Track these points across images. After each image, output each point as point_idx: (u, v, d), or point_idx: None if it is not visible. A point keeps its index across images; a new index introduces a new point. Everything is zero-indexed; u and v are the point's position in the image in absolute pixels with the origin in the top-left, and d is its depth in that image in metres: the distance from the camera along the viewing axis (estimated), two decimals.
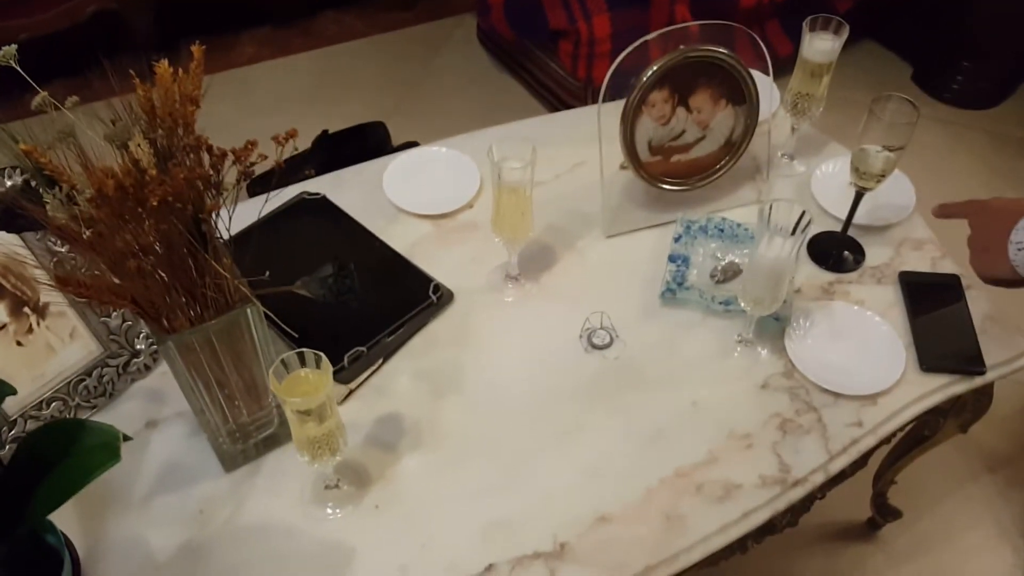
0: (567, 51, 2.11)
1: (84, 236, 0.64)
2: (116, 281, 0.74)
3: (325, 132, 2.13)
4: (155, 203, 0.62)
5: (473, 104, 2.40)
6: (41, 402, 0.99)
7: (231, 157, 0.66)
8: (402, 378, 1.07)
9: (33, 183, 0.76)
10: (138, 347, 1.06)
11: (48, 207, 0.67)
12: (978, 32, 2.34)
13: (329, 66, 2.58)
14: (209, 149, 0.66)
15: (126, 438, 0.66)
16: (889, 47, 2.58)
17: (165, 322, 0.81)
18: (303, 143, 2.12)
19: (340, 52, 2.63)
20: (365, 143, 2.14)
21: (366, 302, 1.11)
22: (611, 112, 1.17)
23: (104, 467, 0.62)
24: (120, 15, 2.32)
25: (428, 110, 2.40)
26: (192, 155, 0.66)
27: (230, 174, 0.68)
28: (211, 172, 0.66)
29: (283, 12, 2.69)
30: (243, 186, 0.69)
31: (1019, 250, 0.94)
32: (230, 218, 0.72)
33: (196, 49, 0.69)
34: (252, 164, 0.66)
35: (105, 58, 0.74)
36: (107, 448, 0.63)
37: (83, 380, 1.02)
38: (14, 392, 0.68)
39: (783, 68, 1.31)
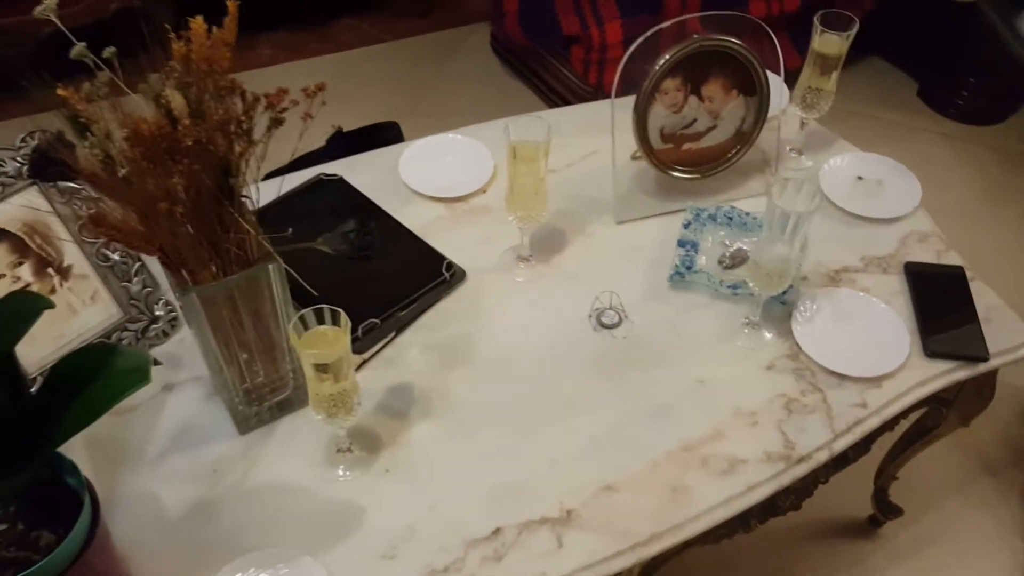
0: (579, 57, 2.15)
1: (120, 175, 0.67)
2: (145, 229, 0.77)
3: (340, 130, 2.17)
4: (189, 143, 0.64)
5: (485, 107, 2.43)
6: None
7: (264, 102, 0.68)
8: (413, 350, 1.09)
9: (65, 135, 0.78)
10: (157, 313, 1.08)
11: (81, 149, 0.70)
12: (982, 50, 2.38)
13: (345, 69, 2.63)
14: (243, 94, 0.69)
15: (156, 363, 0.68)
16: (895, 63, 2.62)
17: (188, 276, 0.83)
18: (318, 142, 2.15)
19: (356, 56, 2.68)
20: (378, 142, 2.16)
21: (381, 277, 1.13)
22: (622, 106, 1.20)
23: (134, 388, 0.64)
24: (143, 12, 2.36)
25: (441, 113, 2.44)
26: (225, 100, 0.68)
27: (260, 126, 0.71)
28: (243, 117, 0.69)
29: (300, 17, 2.74)
30: (272, 135, 0.71)
31: None
32: (258, 168, 0.74)
33: (231, 3, 0.72)
34: (283, 110, 0.69)
35: (135, 48, 0.77)
36: (138, 371, 0.65)
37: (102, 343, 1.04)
38: (52, 305, 0.69)
39: (790, 80, 1.33)
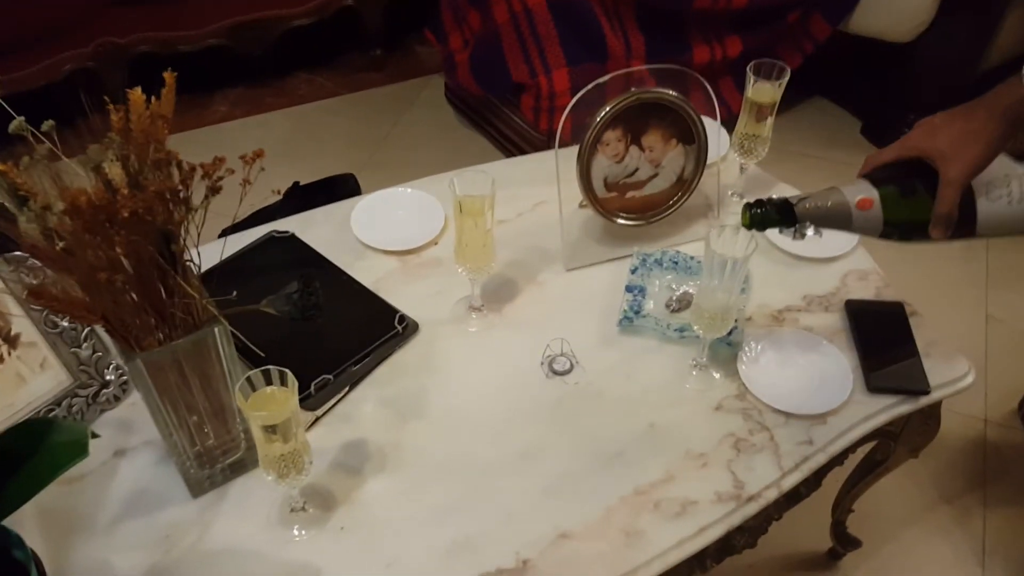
0: (529, 105, 2.20)
1: (57, 248, 0.68)
2: (87, 298, 0.77)
3: (296, 184, 2.18)
4: (126, 215, 0.65)
5: (441, 157, 2.47)
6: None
7: (200, 171, 0.70)
8: (367, 405, 1.10)
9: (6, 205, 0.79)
10: (108, 378, 1.08)
11: (21, 221, 0.71)
12: (923, 87, 2.47)
13: (301, 123, 2.65)
14: (179, 164, 0.70)
15: (94, 435, 0.68)
16: (839, 103, 2.70)
17: (134, 342, 0.83)
18: (275, 196, 2.16)
19: (312, 110, 2.71)
20: (335, 195, 2.18)
21: (333, 332, 1.14)
22: (569, 156, 1.24)
23: (71, 462, 0.64)
24: (95, 73, 2.38)
25: (398, 164, 2.47)
26: (163, 170, 0.70)
27: (198, 193, 0.72)
28: (180, 186, 0.70)
29: (256, 72, 2.76)
30: (211, 201, 0.72)
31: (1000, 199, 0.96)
32: (198, 234, 0.76)
33: (168, 76, 0.74)
34: (220, 178, 0.71)
35: (80, 116, 0.79)
36: (75, 445, 0.65)
37: (52, 410, 1.04)
38: None
39: (734, 123, 1.38)
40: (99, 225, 0.71)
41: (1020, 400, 1.85)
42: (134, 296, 0.80)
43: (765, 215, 1.00)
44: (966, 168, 0.94)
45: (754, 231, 1.01)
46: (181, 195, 0.71)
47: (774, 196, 1.02)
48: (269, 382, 0.86)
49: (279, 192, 0.82)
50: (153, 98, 0.77)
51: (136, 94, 0.76)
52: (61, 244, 0.67)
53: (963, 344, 1.79)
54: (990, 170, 0.96)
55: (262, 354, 0.91)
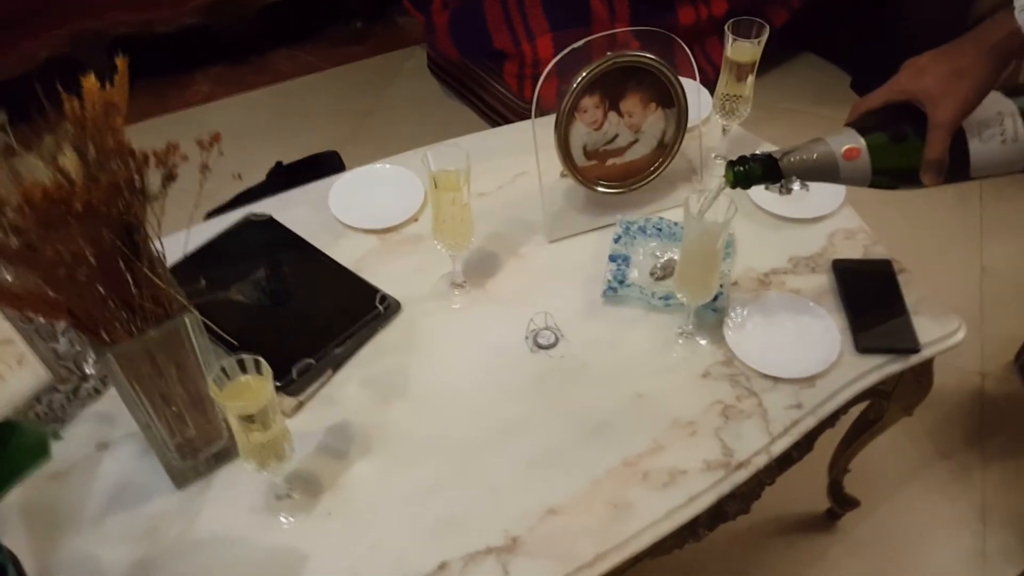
0: (512, 72, 2.16)
1: (12, 246, 0.66)
2: (51, 294, 0.76)
3: (279, 163, 2.16)
4: (80, 208, 0.64)
5: (426, 130, 2.44)
6: None
7: (153, 160, 0.68)
8: (351, 387, 1.09)
9: None
10: (88, 371, 1.06)
11: None
12: (912, 39, 2.42)
13: (284, 101, 2.62)
14: (131, 154, 0.68)
15: (56, 436, 0.67)
16: (827, 58, 2.66)
17: (104, 335, 0.82)
18: (259, 176, 2.14)
19: (294, 87, 2.67)
20: (320, 172, 2.16)
21: (314, 315, 1.13)
22: (549, 124, 1.21)
23: (35, 465, 0.63)
24: (73, 59, 2.34)
25: (382, 138, 2.44)
26: (117, 161, 0.68)
27: (156, 181, 0.70)
28: (135, 176, 0.68)
29: (236, 50, 2.72)
30: (168, 190, 0.70)
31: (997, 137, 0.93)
32: (159, 224, 0.74)
33: (120, 61, 0.72)
34: (174, 166, 0.69)
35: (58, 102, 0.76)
36: (38, 447, 0.64)
37: (33, 407, 1.02)
38: None
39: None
40: (57, 219, 0.69)
41: (1016, 352, 1.84)
42: (100, 289, 0.78)
43: (749, 172, 0.98)
44: (955, 109, 0.90)
45: (739, 189, 0.99)
46: (136, 184, 0.69)
47: (758, 152, 0.99)
48: (245, 371, 0.85)
49: (239, 176, 0.79)
50: (107, 84, 0.75)
51: (89, 81, 0.74)
52: (16, 243, 0.66)
53: (957, 298, 1.78)
54: (982, 108, 0.93)
55: (235, 342, 0.89)
